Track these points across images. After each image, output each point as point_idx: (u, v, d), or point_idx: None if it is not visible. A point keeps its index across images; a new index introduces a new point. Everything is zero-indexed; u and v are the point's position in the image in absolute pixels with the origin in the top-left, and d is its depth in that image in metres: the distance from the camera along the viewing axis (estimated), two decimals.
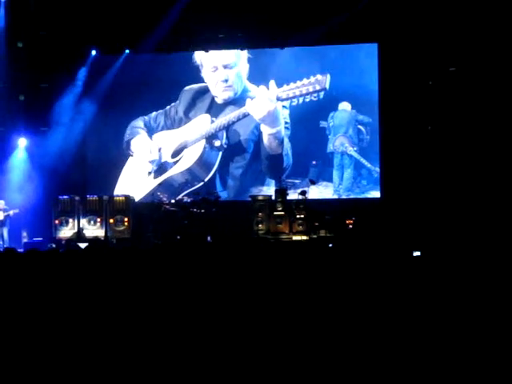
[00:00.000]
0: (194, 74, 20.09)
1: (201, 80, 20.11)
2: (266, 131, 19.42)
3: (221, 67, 19.85)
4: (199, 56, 20.00)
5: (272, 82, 19.27)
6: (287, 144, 19.44)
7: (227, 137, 19.76)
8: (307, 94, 18.99)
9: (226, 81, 19.82)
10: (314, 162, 19.24)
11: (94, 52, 20.24)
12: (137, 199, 19.68)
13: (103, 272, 8.08)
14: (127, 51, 20.21)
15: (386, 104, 18.88)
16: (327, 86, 18.84)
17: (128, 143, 20.40)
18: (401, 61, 18.49)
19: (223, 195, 19.38)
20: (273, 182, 19.30)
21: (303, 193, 17.91)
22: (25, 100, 19.98)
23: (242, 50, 19.71)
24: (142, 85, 20.23)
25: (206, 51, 19.85)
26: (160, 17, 19.07)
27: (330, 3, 18.40)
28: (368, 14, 18.33)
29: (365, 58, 19.28)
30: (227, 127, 19.75)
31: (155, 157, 20.19)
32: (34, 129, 20.06)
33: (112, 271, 8.14)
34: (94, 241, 17.60)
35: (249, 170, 19.63)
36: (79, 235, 18.42)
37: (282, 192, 18.13)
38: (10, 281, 7.52)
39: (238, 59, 19.81)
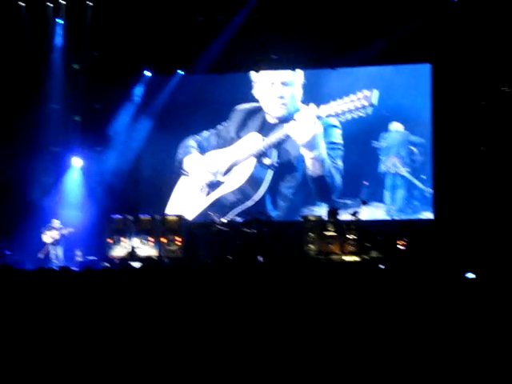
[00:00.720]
0: (246, 95, 20.19)
1: (252, 100, 20.20)
2: (307, 155, 19.39)
3: (278, 83, 19.90)
4: (255, 73, 20.10)
5: (311, 105, 19.29)
6: (329, 165, 19.35)
7: (278, 155, 19.76)
8: (355, 109, 18.85)
9: (282, 97, 19.86)
10: (365, 183, 19.15)
11: (147, 73, 20.47)
12: (189, 218, 19.78)
13: (156, 291, 8.13)
14: (180, 72, 20.40)
15: (438, 125, 18.75)
16: (374, 101, 18.71)
17: (180, 162, 20.54)
18: (454, 81, 18.37)
19: (274, 215, 19.39)
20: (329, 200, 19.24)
21: (355, 213, 17.85)
22: (80, 120, 20.29)
23: (293, 70, 19.75)
24: (194, 105, 20.40)
25: (257, 72, 19.95)
26: (213, 38, 19.24)
27: (383, 23, 18.38)
28: (421, 35, 18.27)
29: (418, 79, 19.20)
30: (278, 145, 19.75)
31: (207, 175, 20.29)
32: (88, 149, 20.32)
33: (165, 290, 8.19)
34: (147, 260, 17.72)
35: (300, 189, 19.58)
36: (132, 254, 18.54)
37: (333, 212, 18.09)
38: (66, 299, 7.62)
39: (294, 79, 19.82)
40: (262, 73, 20.02)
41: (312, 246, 17.88)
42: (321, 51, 19.27)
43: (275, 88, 19.94)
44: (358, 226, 17.71)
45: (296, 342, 6.02)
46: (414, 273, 10.11)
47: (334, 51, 19.20)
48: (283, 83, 19.90)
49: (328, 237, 17.81)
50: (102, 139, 20.07)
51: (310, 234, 17.94)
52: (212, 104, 20.37)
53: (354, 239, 17.63)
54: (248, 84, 20.19)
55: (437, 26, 18.13)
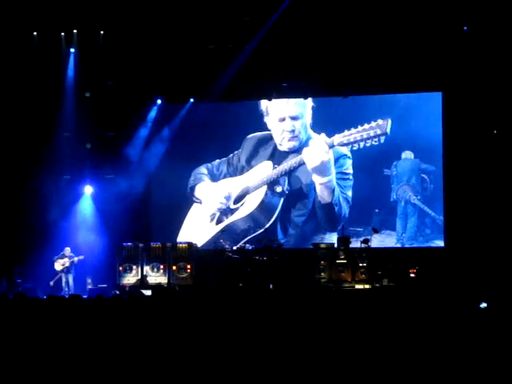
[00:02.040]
0: (257, 122, 20.24)
1: (263, 128, 20.24)
2: (318, 181, 19.40)
3: (288, 118, 19.94)
4: (265, 103, 20.15)
5: (322, 135, 19.31)
6: (338, 193, 19.34)
7: (289, 183, 19.78)
8: (368, 138, 18.86)
9: (293, 131, 19.89)
10: (376, 210, 19.13)
11: (159, 101, 20.56)
12: (200, 245, 19.78)
13: (166, 318, 8.12)
14: (191, 100, 20.48)
15: (450, 152, 18.74)
16: (388, 131, 18.72)
17: (192, 189, 20.58)
18: (465, 109, 18.38)
19: (285, 242, 19.37)
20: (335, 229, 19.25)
21: (366, 241, 17.81)
22: (91, 148, 20.37)
23: (304, 98, 19.80)
24: (205, 133, 20.47)
25: (270, 100, 20.01)
26: (224, 66, 19.32)
27: (395, 52, 18.44)
28: (432, 63, 18.31)
29: (429, 107, 19.23)
30: (289, 173, 19.79)
31: (218, 203, 20.31)
32: (99, 176, 20.39)
33: (175, 317, 8.18)
34: (157, 288, 17.69)
35: (310, 217, 19.58)
36: (142, 282, 18.53)
37: (344, 240, 18.06)
38: (76, 327, 7.61)
39: (303, 110, 19.88)
40: (272, 107, 20.08)
41: (323, 274, 17.85)
42: (332, 80, 19.33)
43: (285, 123, 19.97)
44: (369, 253, 17.66)
45: (306, 369, 6.00)
46: (424, 301, 10.07)
47: (346, 80, 19.23)
48: (292, 118, 19.94)
49: (339, 265, 17.77)
50: (113, 167, 20.12)
51: (321, 261, 17.91)
52: (223, 132, 20.47)
53: (365, 267, 17.58)
54: (259, 113, 20.23)
55: (447, 55, 18.17)
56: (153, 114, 20.64)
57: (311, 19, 18.43)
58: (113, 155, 20.13)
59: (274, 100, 20.04)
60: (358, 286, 17.32)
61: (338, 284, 17.46)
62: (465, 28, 17.98)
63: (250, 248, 18.68)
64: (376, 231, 18.15)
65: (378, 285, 17.22)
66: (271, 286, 17.25)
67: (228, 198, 20.29)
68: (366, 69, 18.82)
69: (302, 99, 19.90)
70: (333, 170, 19.37)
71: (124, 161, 19.99)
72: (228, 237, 19.51)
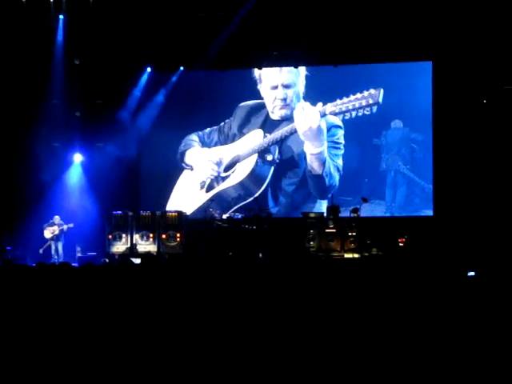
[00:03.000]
0: (249, 91, 20.21)
1: (255, 96, 20.21)
2: (309, 151, 19.42)
3: (280, 86, 19.91)
4: (258, 71, 20.09)
5: (319, 104, 19.30)
6: (329, 164, 19.36)
7: (280, 152, 19.82)
8: (360, 107, 18.85)
9: (285, 99, 19.87)
10: (366, 180, 19.16)
11: (148, 69, 20.47)
12: (189, 213, 19.81)
13: (156, 286, 8.14)
14: (181, 68, 20.40)
15: (439, 122, 18.77)
16: (380, 100, 18.70)
17: (182, 154, 20.59)
18: (455, 79, 18.39)
19: (274, 211, 19.42)
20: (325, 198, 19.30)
21: (355, 210, 17.84)
22: (81, 116, 20.29)
23: (295, 67, 19.75)
24: (195, 101, 20.44)
25: (260, 68, 19.95)
26: (214, 34, 19.22)
27: (385, 22, 18.38)
28: (422, 33, 18.27)
29: (419, 76, 19.23)
30: (280, 142, 19.80)
31: (209, 170, 20.32)
32: (89, 144, 20.35)
33: (164, 286, 8.20)
34: (146, 256, 17.72)
35: (301, 186, 19.63)
36: (132, 250, 18.57)
37: (334, 209, 18.09)
38: (66, 295, 7.63)
39: (297, 78, 19.86)
40: (265, 74, 20.04)
41: (312, 243, 17.89)
42: (323, 49, 19.26)
43: (278, 91, 19.94)
44: (359, 223, 17.71)
45: (295, 338, 6.03)
46: (413, 270, 10.11)
47: (336, 49, 19.17)
48: (285, 86, 19.92)
49: (328, 234, 17.82)
50: (103, 135, 20.06)
51: (311, 230, 17.95)
52: (214, 100, 20.44)
53: (354, 236, 17.63)
54: (252, 81, 20.19)
55: (438, 24, 18.11)
56: (143, 81, 20.53)
57: None
58: (103, 123, 20.04)
59: (267, 68, 19.96)
60: (347, 256, 17.38)
61: (327, 253, 17.51)
62: None
63: (240, 217, 18.71)
64: (365, 200, 18.17)
65: (366, 254, 17.28)
66: (260, 255, 17.30)
67: (219, 165, 20.29)
68: (356, 38, 18.76)
69: (294, 69, 19.83)
70: (325, 141, 19.37)
71: (114, 129, 19.89)
72: (218, 205, 19.55)
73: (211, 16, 19.05)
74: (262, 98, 20.19)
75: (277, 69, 19.99)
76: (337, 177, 19.40)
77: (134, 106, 20.40)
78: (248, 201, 19.50)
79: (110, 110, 20.15)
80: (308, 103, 19.55)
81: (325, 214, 18.30)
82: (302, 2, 18.53)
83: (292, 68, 19.88)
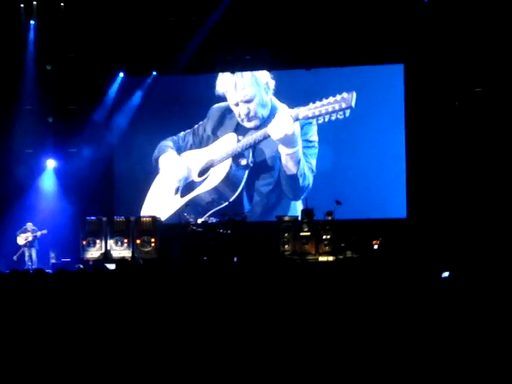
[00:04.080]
0: (222, 96, 20.25)
1: (222, 99, 20.29)
2: (284, 152, 19.44)
3: (241, 103, 20.00)
4: (221, 88, 20.16)
5: (284, 106, 19.48)
6: (304, 164, 19.42)
7: (254, 155, 19.84)
8: (333, 111, 18.80)
9: (248, 114, 19.91)
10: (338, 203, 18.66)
11: (121, 74, 20.42)
12: (164, 218, 19.78)
13: (131, 292, 8.12)
14: (154, 73, 20.38)
15: (411, 124, 18.86)
16: (353, 104, 18.66)
17: (156, 161, 20.53)
18: (427, 81, 18.48)
19: (248, 210, 19.45)
20: (301, 201, 19.34)
21: (329, 213, 17.86)
22: (53, 122, 20.20)
23: (268, 71, 19.78)
24: (169, 105, 20.48)
25: (233, 73, 19.96)
26: (186, 38, 19.22)
27: (356, 25, 18.45)
28: (394, 35, 18.37)
29: (391, 79, 19.30)
30: (253, 146, 19.82)
31: (183, 174, 20.30)
32: (62, 150, 20.27)
33: (139, 292, 8.18)
34: (121, 262, 17.65)
35: (276, 187, 19.68)
36: (106, 256, 18.50)
37: (308, 212, 18.11)
38: (40, 302, 7.58)
39: (257, 89, 19.91)
40: (227, 92, 20.09)
41: (287, 247, 17.91)
42: (295, 52, 19.31)
43: (240, 107, 20.00)
44: (333, 226, 17.73)
45: (271, 342, 6.03)
46: (388, 272, 10.15)
47: (309, 52, 19.23)
48: (245, 101, 19.99)
49: (303, 237, 17.83)
50: (76, 141, 19.98)
51: (285, 234, 17.96)
52: (188, 104, 20.42)
53: (328, 239, 17.65)
54: (219, 95, 20.31)
55: (409, 27, 18.21)
56: (115, 86, 20.48)
57: None
58: (75, 128, 19.96)
59: (225, 87, 20.05)
60: (321, 259, 17.41)
61: (302, 256, 17.53)
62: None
63: (214, 221, 18.70)
64: (339, 203, 18.15)
65: (341, 257, 17.31)
66: (235, 259, 17.29)
67: (192, 171, 20.28)
68: (329, 41, 18.82)
69: (252, 78, 19.91)
70: (299, 142, 19.43)
71: (87, 134, 19.84)
72: (192, 210, 19.53)
73: (183, 20, 19.04)
74: None
75: (232, 87, 20.03)
76: (310, 177, 19.46)
77: (106, 112, 20.33)
78: (223, 205, 19.49)
79: (82, 115, 20.07)
80: (284, 105, 19.61)
81: (299, 218, 18.31)
82: (274, 7, 18.55)
83: (249, 80, 19.93)
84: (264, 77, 19.95)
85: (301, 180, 19.40)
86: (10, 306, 7.44)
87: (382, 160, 19.30)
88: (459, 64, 18.10)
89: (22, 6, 19.22)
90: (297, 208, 19.26)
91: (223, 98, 20.23)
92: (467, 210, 17.78)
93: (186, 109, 20.41)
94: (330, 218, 17.84)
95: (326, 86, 19.33)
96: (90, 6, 18.91)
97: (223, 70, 20.06)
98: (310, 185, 19.46)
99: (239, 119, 20.08)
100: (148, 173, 20.50)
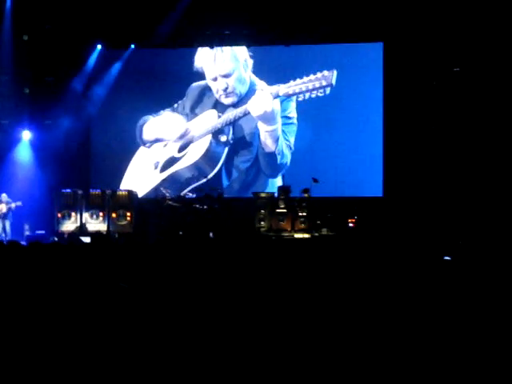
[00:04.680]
0: (198, 71, 20.18)
1: (202, 76, 20.23)
2: (263, 128, 19.46)
3: (219, 77, 19.98)
4: (199, 63, 20.13)
5: (263, 83, 19.47)
6: (282, 142, 19.43)
7: (234, 131, 19.80)
8: (313, 89, 18.80)
9: (226, 89, 19.91)
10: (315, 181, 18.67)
11: (99, 46, 20.26)
12: (143, 194, 19.76)
13: (104, 266, 8.10)
14: (132, 46, 20.24)
15: (389, 103, 18.90)
16: (334, 82, 18.67)
17: (141, 129, 20.43)
18: (406, 60, 18.50)
19: (228, 188, 19.46)
20: (279, 178, 19.39)
21: (306, 191, 17.89)
22: (29, 93, 20.03)
23: (247, 46, 19.73)
24: (148, 80, 20.35)
25: (211, 47, 19.89)
26: (166, 12, 19.08)
27: (337, 1, 18.42)
28: (373, 13, 18.35)
29: (370, 57, 19.30)
30: (233, 122, 19.79)
31: (162, 150, 20.28)
32: (38, 122, 20.13)
33: (113, 266, 8.16)
34: (96, 235, 17.62)
35: (254, 164, 19.69)
36: (81, 229, 18.44)
37: (284, 189, 18.14)
38: (14, 274, 7.55)
39: (235, 64, 19.90)
40: (205, 66, 20.05)
41: (263, 223, 17.93)
42: (275, 28, 19.26)
43: (218, 82, 19.98)
44: (309, 203, 17.77)
45: (245, 319, 6.04)
46: (363, 250, 10.20)
47: (288, 29, 19.20)
48: (224, 76, 19.95)
49: (279, 214, 17.86)
50: (52, 113, 19.84)
51: (261, 210, 17.98)
52: (166, 79, 20.31)
53: (304, 216, 17.70)
54: (197, 70, 20.25)
55: (390, 4, 18.20)
56: (93, 59, 20.32)
57: None
58: (52, 100, 19.82)
59: (202, 61, 20.00)
60: (297, 236, 17.44)
61: (278, 233, 17.56)
62: None
63: (191, 196, 18.69)
64: (316, 181, 18.16)
65: (317, 234, 17.37)
66: (211, 235, 17.30)
67: (169, 145, 20.22)
68: (309, 17, 18.77)
69: (232, 53, 19.88)
70: (279, 120, 19.43)
71: (63, 106, 19.71)
72: (171, 185, 19.50)
73: None
74: None
75: (211, 60, 20.01)
76: (288, 155, 19.48)
77: (84, 84, 20.19)
78: (202, 182, 19.46)
79: (59, 87, 19.94)
80: (263, 82, 19.59)
81: (276, 194, 18.33)
82: None
83: (229, 55, 19.92)
84: (243, 53, 19.92)
85: (279, 158, 19.43)
86: None
87: (359, 138, 19.35)
88: (438, 43, 18.13)
89: None
90: (274, 185, 19.29)
91: (201, 74, 20.15)
92: (443, 189, 17.87)
93: (165, 84, 20.29)
94: (306, 195, 17.87)
95: (305, 64, 19.32)
96: None
97: (202, 45, 20.00)
98: (288, 163, 19.48)
99: (217, 95, 20.03)
100: (125, 147, 20.41)
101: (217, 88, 20.00)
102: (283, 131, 19.48)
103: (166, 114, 20.42)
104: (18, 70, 19.73)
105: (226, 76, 19.94)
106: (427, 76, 18.45)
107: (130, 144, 20.42)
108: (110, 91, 20.32)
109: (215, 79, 20.02)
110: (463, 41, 17.91)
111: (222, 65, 19.97)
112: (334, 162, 19.41)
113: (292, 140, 19.52)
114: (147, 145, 20.44)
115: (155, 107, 20.47)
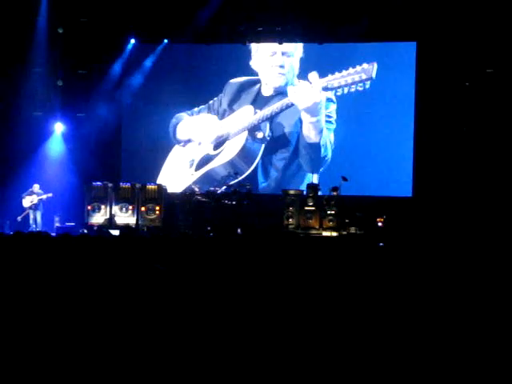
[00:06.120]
0: (237, 67, 20.12)
1: (244, 73, 20.08)
2: (307, 119, 19.29)
3: (279, 53, 19.77)
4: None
5: (314, 73, 19.17)
6: (327, 135, 19.30)
7: (270, 129, 19.71)
8: (353, 83, 18.74)
9: (282, 67, 19.76)
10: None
11: (132, 40, 20.32)
12: (177, 191, 19.68)
13: (132, 259, 8.14)
14: (165, 41, 20.28)
15: (421, 103, 18.78)
16: (374, 75, 18.60)
17: (174, 128, 20.41)
18: (438, 60, 18.38)
19: (265, 186, 19.41)
20: (316, 175, 19.20)
21: (335, 189, 17.86)
22: (63, 86, 20.15)
23: (279, 43, 19.63)
24: (181, 76, 20.37)
25: (244, 44, 19.84)
26: (200, 7, 19.11)
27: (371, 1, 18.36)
28: (407, 13, 18.25)
29: (403, 56, 19.16)
30: (270, 119, 19.69)
31: (197, 148, 20.22)
32: (70, 114, 20.26)
33: (141, 258, 8.20)
34: (125, 228, 17.71)
35: (292, 162, 19.58)
36: (111, 222, 18.53)
37: (313, 187, 18.11)
38: (43, 264, 7.62)
39: (294, 51, 19.75)
40: (263, 43, 19.89)
41: (291, 220, 17.91)
42: (308, 26, 19.19)
43: (276, 58, 19.80)
44: (338, 201, 17.73)
45: (272, 315, 6.06)
46: (391, 249, 10.17)
47: (321, 26, 19.12)
48: (284, 53, 19.76)
49: (307, 211, 17.84)
50: (85, 105, 19.97)
51: (290, 208, 17.96)
52: (202, 76, 20.29)
53: (333, 215, 17.66)
54: (242, 56, 20.05)
55: (424, 4, 18.09)
56: (127, 52, 20.39)
57: None
58: (85, 93, 19.96)
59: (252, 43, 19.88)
60: (325, 234, 17.43)
61: (306, 231, 17.55)
62: None
63: (220, 192, 18.70)
64: (345, 179, 18.09)
65: (345, 233, 17.33)
66: (239, 231, 17.32)
67: (205, 143, 20.13)
68: (341, 16, 18.70)
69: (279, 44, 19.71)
70: (323, 111, 19.29)
71: (96, 100, 19.83)
72: (207, 183, 19.40)
73: None
74: (252, 74, 20.06)
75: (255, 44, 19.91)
76: (329, 150, 19.36)
77: (117, 78, 20.28)
78: (238, 179, 19.20)
79: (92, 80, 20.05)
80: (315, 72, 19.30)
81: (304, 192, 18.30)
82: None
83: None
84: (299, 48, 19.78)
85: (322, 150, 19.29)
86: (13, 268, 7.48)
87: (390, 137, 19.21)
88: (471, 44, 18.00)
89: None
90: (315, 181, 18.97)
91: (241, 61, 19.98)
92: (473, 192, 17.74)
93: (200, 79, 20.29)
94: (335, 193, 17.84)
95: (337, 62, 19.22)
96: None
97: (235, 41, 19.90)
98: (329, 159, 19.36)
99: (265, 76, 19.81)
100: (156, 141, 20.41)
101: (271, 64, 19.79)
102: (326, 128, 19.36)
103: (202, 116, 20.31)
104: (52, 62, 19.87)
105: (286, 54, 19.77)
106: (460, 77, 18.32)
107: (161, 139, 20.43)
108: (142, 86, 20.37)
109: (274, 53, 19.82)
110: (497, 42, 17.77)
111: (287, 44, 19.76)
112: (364, 161, 19.31)
113: (332, 137, 19.37)
114: (181, 144, 20.43)
115: (188, 103, 20.44)
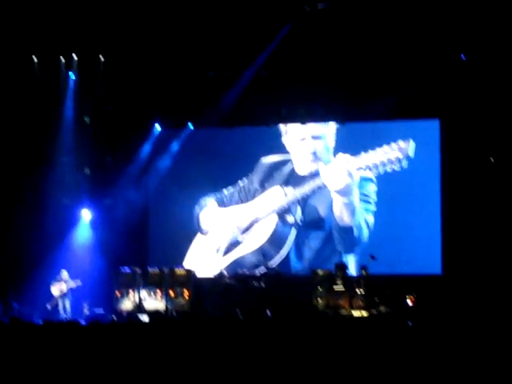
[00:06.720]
0: (266, 147, 19.99)
1: (273, 151, 19.90)
2: (338, 200, 18.76)
3: (309, 138, 19.35)
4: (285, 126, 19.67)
5: (343, 155, 18.72)
6: (360, 216, 18.78)
7: (303, 212, 19.24)
8: (388, 162, 18.13)
9: (314, 153, 19.30)
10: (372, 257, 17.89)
11: (157, 126, 20.57)
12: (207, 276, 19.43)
13: (164, 344, 8.12)
14: (190, 125, 20.50)
15: (447, 179, 18.71)
16: (411, 153, 18.01)
17: (198, 218, 20.31)
18: (462, 136, 18.38)
19: (299, 267, 19.16)
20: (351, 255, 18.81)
21: (363, 268, 17.80)
22: (90, 173, 20.40)
23: (302, 124, 19.57)
24: (206, 158, 20.32)
25: (267, 126, 19.92)
26: (222, 93, 19.38)
27: (394, 79, 18.49)
28: (430, 90, 18.36)
29: (426, 134, 19.08)
30: (302, 201, 19.23)
31: (225, 233, 20.04)
32: (97, 201, 20.44)
33: (173, 344, 8.18)
34: (154, 313, 17.67)
35: (327, 242, 19.07)
36: (139, 307, 18.46)
37: (341, 267, 18.01)
38: (73, 353, 7.61)
39: (326, 131, 19.24)
40: (292, 125, 19.62)
41: (320, 301, 17.78)
42: (329, 106, 19.30)
43: (306, 143, 19.40)
44: (367, 280, 17.63)
45: None
46: (422, 329, 10.06)
47: (342, 106, 19.23)
48: (314, 137, 19.36)
49: (336, 291, 17.72)
50: (111, 192, 20.17)
51: (319, 288, 17.85)
52: (226, 158, 20.19)
53: (362, 294, 17.53)
54: (272, 134, 19.83)
55: (445, 82, 18.21)
56: (152, 138, 20.64)
57: (307, 48, 18.47)
58: (112, 180, 20.18)
59: (277, 124, 19.83)
60: (355, 313, 17.27)
61: (335, 310, 17.41)
62: (462, 56, 18.03)
63: (248, 274, 18.63)
64: (373, 258, 18.00)
65: (375, 312, 17.17)
66: (268, 313, 17.20)
67: (235, 229, 19.88)
68: (363, 95, 18.83)
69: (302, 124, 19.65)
70: (356, 191, 18.71)
71: (123, 186, 20.03)
72: (234, 270, 19.19)
73: (220, 75, 19.22)
74: (281, 152, 19.77)
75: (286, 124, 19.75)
76: (366, 232, 18.86)
77: (143, 163, 20.50)
78: (270, 267, 18.76)
79: (118, 166, 20.29)
80: (347, 155, 18.76)
81: (333, 272, 18.18)
82: (308, 61, 18.68)
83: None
84: (332, 126, 19.33)
85: (355, 231, 18.69)
86: (43, 357, 7.47)
87: (416, 215, 18.98)
88: (495, 119, 18.04)
89: (61, 57, 19.53)
90: (349, 263, 18.56)
91: (266, 143, 19.81)
92: (505, 271, 17.51)
93: (224, 162, 20.17)
94: (364, 272, 17.76)
95: (360, 141, 19.00)
96: (129, 60, 19.17)
97: (258, 123, 19.98)
98: (365, 240, 18.79)
99: (298, 162, 19.30)
100: (183, 226, 20.34)
101: (303, 151, 19.31)
102: (362, 208, 18.84)
103: (227, 209, 20.08)
104: (79, 150, 20.17)
105: (317, 138, 19.30)
106: (484, 153, 18.29)
107: (188, 222, 20.43)
108: (169, 169, 20.51)
109: (303, 139, 19.40)
110: None
111: (316, 125, 19.33)
112: (392, 238, 19.15)
113: (371, 218, 18.85)
114: (204, 233, 20.20)
115: (216, 185, 20.32)
